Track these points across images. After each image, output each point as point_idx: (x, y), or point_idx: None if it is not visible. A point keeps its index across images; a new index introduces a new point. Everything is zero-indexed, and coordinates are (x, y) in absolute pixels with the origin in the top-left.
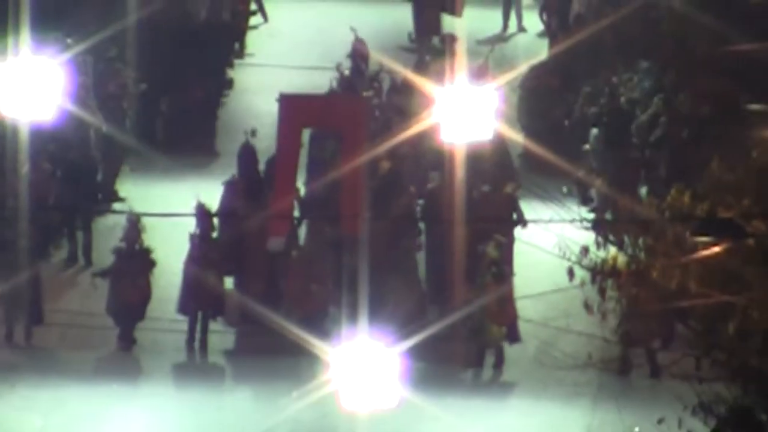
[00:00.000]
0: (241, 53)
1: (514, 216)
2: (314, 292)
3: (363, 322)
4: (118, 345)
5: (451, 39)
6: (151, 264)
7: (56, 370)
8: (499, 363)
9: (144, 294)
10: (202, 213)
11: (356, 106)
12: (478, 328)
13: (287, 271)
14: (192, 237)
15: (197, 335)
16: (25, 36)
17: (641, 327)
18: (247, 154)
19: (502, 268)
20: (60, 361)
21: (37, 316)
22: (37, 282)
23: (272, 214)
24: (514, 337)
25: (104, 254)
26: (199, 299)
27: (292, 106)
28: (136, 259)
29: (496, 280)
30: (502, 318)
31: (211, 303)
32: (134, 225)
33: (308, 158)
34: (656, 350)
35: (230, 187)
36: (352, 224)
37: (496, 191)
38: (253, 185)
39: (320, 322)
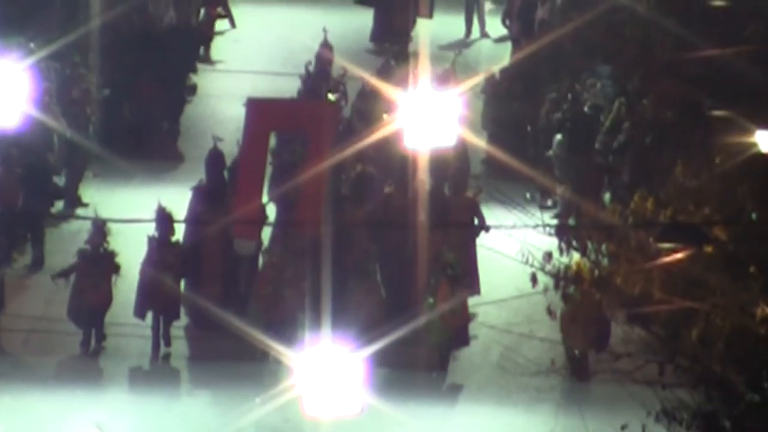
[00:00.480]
0: (207, 58)
1: (476, 221)
2: (286, 297)
3: (326, 328)
4: (81, 350)
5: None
6: (115, 268)
7: (18, 376)
8: (443, 365)
9: (106, 298)
10: (162, 216)
11: (323, 110)
12: (427, 328)
13: (257, 275)
14: (150, 240)
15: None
16: None
17: (577, 329)
18: (215, 159)
19: (457, 271)
20: (22, 366)
21: None
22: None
23: (237, 218)
24: (463, 340)
25: (68, 259)
26: (155, 303)
27: (260, 110)
28: (99, 263)
29: (450, 282)
30: (453, 320)
31: (167, 307)
32: (99, 228)
33: (276, 162)
34: (586, 354)
35: (198, 192)
36: (310, 227)
37: (457, 196)
38: (219, 190)
39: (290, 327)
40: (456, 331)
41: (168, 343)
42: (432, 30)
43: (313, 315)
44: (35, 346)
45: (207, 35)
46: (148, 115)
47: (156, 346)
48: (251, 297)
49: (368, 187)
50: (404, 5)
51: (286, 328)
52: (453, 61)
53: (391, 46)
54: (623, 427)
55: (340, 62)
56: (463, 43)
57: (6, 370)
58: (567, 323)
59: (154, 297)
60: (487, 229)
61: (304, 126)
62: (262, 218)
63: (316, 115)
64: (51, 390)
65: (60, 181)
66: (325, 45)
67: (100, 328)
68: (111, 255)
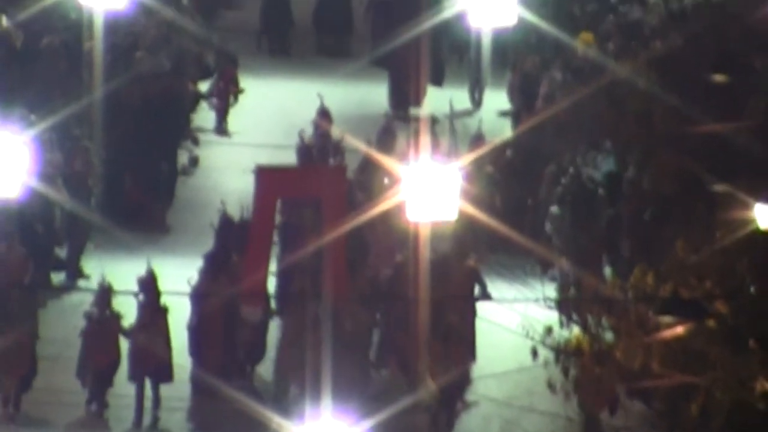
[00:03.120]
0: (223, 130)
1: (477, 289)
2: (308, 361)
3: (327, 399)
4: (87, 410)
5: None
6: (122, 330)
7: None
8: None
9: (113, 359)
10: (147, 281)
11: (334, 174)
12: (417, 385)
13: (262, 340)
14: (139, 305)
15: (147, 407)
16: None
17: (590, 395)
18: (223, 224)
19: (457, 332)
20: None
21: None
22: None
23: (245, 286)
24: (455, 403)
25: (71, 331)
26: (145, 366)
27: (269, 178)
28: (105, 325)
29: (445, 341)
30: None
31: (157, 369)
32: (105, 291)
33: (282, 227)
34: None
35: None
36: (339, 287)
37: (458, 263)
38: (225, 256)
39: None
40: (449, 393)
41: (157, 406)
42: (438, 99)
43: (313, 386)
44: (36, 418)
45: (222, 108)
46: (146, 187)
47: (139, 410)
48: (276, 364)
49: (365, 256)
50: (416, 71)
51: (310, 392)
52: (479, 127)
53: (393, 115)
54: None
55: (338, 129)
56: (467, 115)
57: None
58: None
59: (144, 360)
60: (488, 296)
61: (316, 191)
62: (266, 285)
63: (326, 180)
64: None
65: (61, 252)
66: (322, 112)
67: (106, 389)
68: (117, 317)
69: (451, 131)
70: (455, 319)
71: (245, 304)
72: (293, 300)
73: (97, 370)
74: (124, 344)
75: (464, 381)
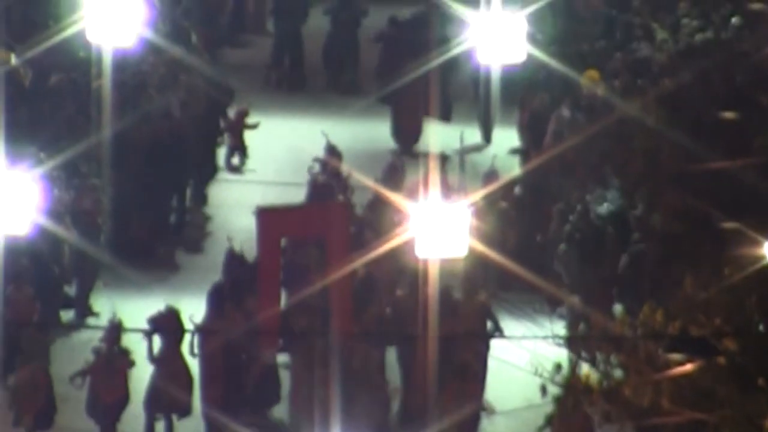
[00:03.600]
0: (235, 167)
1: (489, 325)
2: (320, 398)
3: None
4: None
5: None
6: (130, 364)
7: None
8: None
9: (121, 394)
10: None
11: (336, 211)
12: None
13: (291, 379)
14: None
15: None
16: None
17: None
18: (230, 259)
19: (472, 369)
20: None
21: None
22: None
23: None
24: None
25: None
26: (164, 402)
27: (271, 218)
28: (114, 360)
29: (461, 379)
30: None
31: (175, 404)
32: (114, 327)
33: (286, 266)
34: None
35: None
36: (345, 325)
37: (469, 300)
38: (231, 293)
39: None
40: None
41: None
42: (447, 136)
43: (324, 424)
44: None
45: (235, 145)
46: (154, 226)
47: None
48: (289, 402)
49: (374, 292)
50: (415, 107)
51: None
52: (492, 163)
53: (400, 151)
54: None
55: (346, 166)
56: (476, 151)
57: None
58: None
59: (162, 396)
60: (501, 332)
61: (319, 229)
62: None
63: (329, 217)
64: None
65: (70, 290)
66: (330, 149)
67: (115, 425)
68: (125, 353)
69: (460, 167)
70: (469, 357)
71: (264, 346)
72: (301, 338)
73: (105, 406)
74: (134, 380)
75: (479, 418)
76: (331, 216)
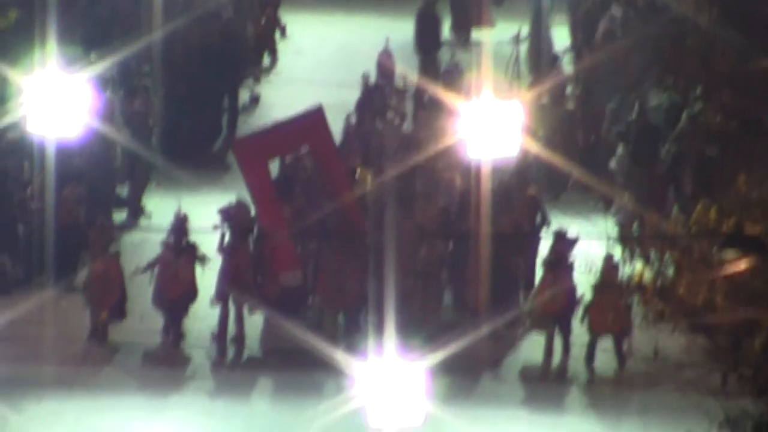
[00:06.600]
0: (271, 68)
1: (539, 217)
2: (347, 290)
3: (390, 333)
4: (164, 338)
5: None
6: (200, 258)
7: (82, 384)
8: (549, 353)
9: (188, 289)
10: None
11: (311, 120)
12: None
13: (318, 270)
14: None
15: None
16: (51, 52)
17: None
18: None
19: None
20: (85, 375)
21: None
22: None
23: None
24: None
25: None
26: (234, 288)
27: (247, 147)
28: (181, 255)
29: (552, 271)
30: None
31: (243, 290)
32: (182, 221)
33: (287, 182)
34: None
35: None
36: (360, 224)
37: (520, 193)
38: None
39: (353, 321)
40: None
41: (241, 331)
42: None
43: (377, 319)
44: (97, 357)
45: (270, 46)
46: (204, 125)
47: (223, 333)
48: (315, 291)
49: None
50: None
51: (348, 321)
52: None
53: (455, 39)
54: None
55: (401, 71)
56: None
57: (70, 381)
58: (595, 313)
59: (234, 282)
60: (549, 223)
61: (300, 142)
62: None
63: (307, 128)
64: (115, 398)
65: (123, 191)
66: (386, 53)
67: (181, 319)
68: (193, 247)
69: (515, 60)
70: (520, 262)
71: (282, 270)
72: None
73: (171, 300)
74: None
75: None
76: (308, 125)
